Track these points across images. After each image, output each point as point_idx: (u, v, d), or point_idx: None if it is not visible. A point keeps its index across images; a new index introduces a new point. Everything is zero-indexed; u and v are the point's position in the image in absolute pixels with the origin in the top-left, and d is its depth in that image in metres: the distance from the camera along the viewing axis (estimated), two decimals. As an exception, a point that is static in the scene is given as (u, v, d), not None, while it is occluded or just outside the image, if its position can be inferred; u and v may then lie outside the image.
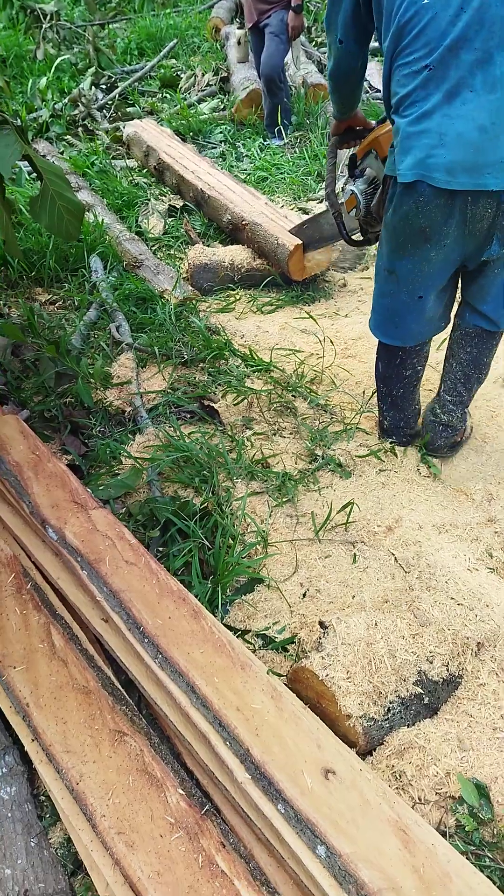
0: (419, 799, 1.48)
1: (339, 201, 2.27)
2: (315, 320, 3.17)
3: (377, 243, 2.09)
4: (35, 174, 4.30)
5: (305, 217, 3.50)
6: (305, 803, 1.28)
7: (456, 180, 1.69)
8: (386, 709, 1.55)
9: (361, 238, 2.35)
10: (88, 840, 1.33)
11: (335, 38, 1.96)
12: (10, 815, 1.46)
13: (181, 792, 1.39)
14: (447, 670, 1.65)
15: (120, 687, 1.60)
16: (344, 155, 2.32)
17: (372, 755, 1.56)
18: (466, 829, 1.45)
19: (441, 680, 1.64)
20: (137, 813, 1.36)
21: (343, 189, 2.30)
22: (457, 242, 1.85)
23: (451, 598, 1.77)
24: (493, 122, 1.63)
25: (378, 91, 5.94)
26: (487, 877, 1.24)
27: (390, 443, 2.48)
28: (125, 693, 1.60)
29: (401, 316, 2.10)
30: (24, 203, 3.80)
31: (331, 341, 3.04)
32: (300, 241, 3.29)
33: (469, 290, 2.08)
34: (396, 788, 1.50)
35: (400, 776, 1.51)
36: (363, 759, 1.53)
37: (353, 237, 2.34)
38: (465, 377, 2.26)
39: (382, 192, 1.96)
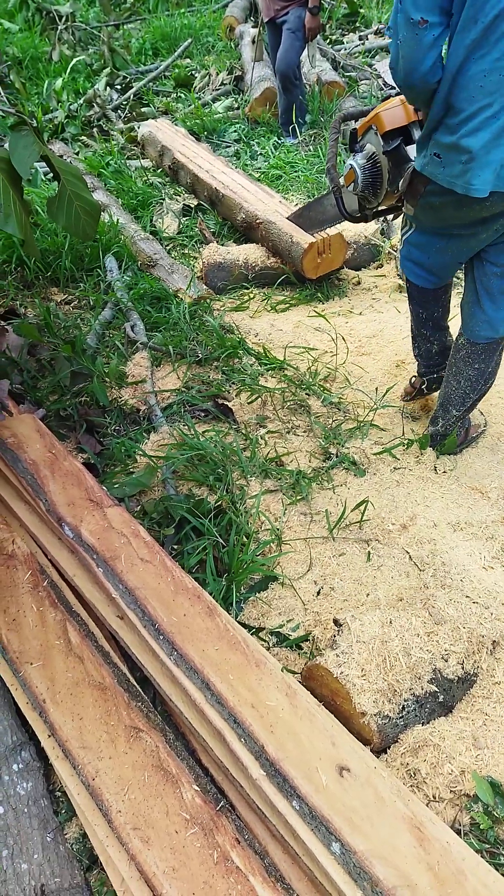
0: (434, 797, 1.48)
1: (338, 176, 2.28)
2: (327, 320, 3.17)
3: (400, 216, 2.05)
4: (52, 175, 4.34)
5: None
6: (320, 800, 1.28)
7: None
8: (401, 706, 1.55)
9: (359, 214, 2.37)
10: (104, 835, 1.35)
11: (413, 19, 1.55)
12: (26, 810, 1.47)
13: (196, 788, 1.40)
14: (462, 668, 1.64)
15: (135, 683, 1.62)
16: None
17: (386, 753, 1.56)
18: (481, 827, 1.44)
19: (456, 678, 1.64)
20: (153, 809, 1.37)
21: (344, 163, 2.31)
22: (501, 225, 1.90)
23: (467, 597, 1.77)
24: None
25: (393, 88, 5.92)
26: (502, 875, 1.24)
27: (432, 390, 2.54)
28: (140, 690, 1.61)
29: (439, 267, 2.16)
30: (41, 203, 3.82)
31: (343, 339, 3.03)
32: (314, 240, 3.28)
33: (492, 265, 2.05)
34: (411, 786, 1.50)
35: (414, 774, 1.51)
36: (378, 757, 1.53)
37: (350, 212, 2.36)
38: (473, 391, 2.29)
39: (416, 182, 1.90)
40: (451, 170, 1.72)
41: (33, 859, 1.40)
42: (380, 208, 2.29)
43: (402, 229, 2.26)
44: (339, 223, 3.06)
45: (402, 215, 2.26)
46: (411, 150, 2.09)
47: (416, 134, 2.06)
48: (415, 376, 2.61)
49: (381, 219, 3.86)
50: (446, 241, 2.03)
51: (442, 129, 1.72)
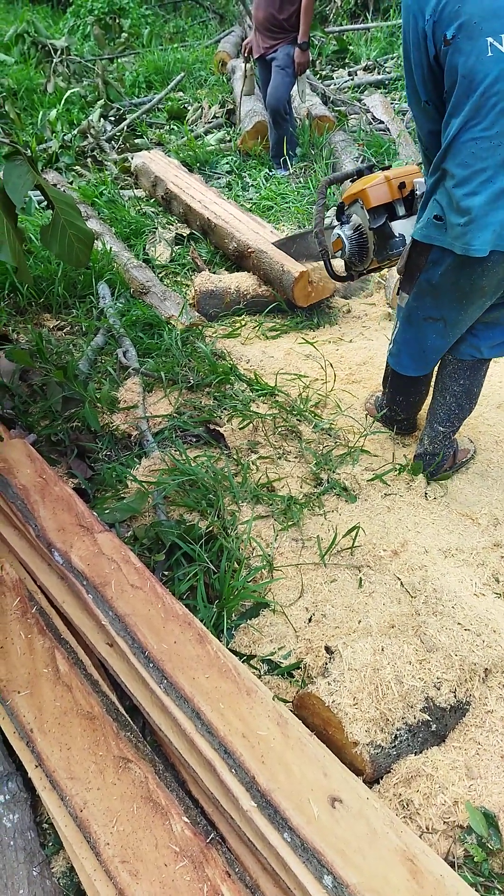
0: (427, 828, 1.46)
1: (327, 242, 2.42)
2: (316, 348, 3.20)
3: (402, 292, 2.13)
4: (45, 203, 4.38)
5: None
6: (312, 832, 1.26)
7: None
8: (393, 736, 1.53)
9: (345, 274, 2.51)
10: (92, 869, 1.32)
11: (420, 101, 1.79)
12: (12, 843, 1.44)
13: (186, 820, 1.38)
14: (455, 697, 1.63)
15: (124, 713, 1.59)
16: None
17: (379, 783, 1.54)
18: (475, 859, 1.42)
19: (449, 706, 1.63)
20: (142, 841, 1.34)
21: (332, 230, 2.46)
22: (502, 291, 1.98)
23: (458, 624, 1.76)
24: None
25: (382, 123, 6.05)
26: (497, 909, 1.22)
27: (397, 433, 2.65)
28: (130, 719, 1.58)
29: (435, 352, 2.23)
30: (34, 231, 3.86)
31: (331, 365, 3.06)
32: (305, 269, 3.33)
33: (480, 321, 2.14)
34: (404, 817, 1.48)
35: (407, 805, 1.49)
36: (370, 788, 1.51)
37: (336, 273, 2.51)
38: (458, 408, 2.35)
39: (415, 256, 1.98)
40: (452, 231, 1.79)
41: (19, 894, 1.36)
42: (366, 270, 2.44)
43: (392, 332, 2.35)
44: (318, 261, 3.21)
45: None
46: (396, 226, 2.24)
47: (401, 210, 2.23)
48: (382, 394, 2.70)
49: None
50: (444, 324, 2.08)
51: (441, 191, 1.81)
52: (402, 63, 1.84)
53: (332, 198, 4.65)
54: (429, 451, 2.45)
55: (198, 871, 1.30)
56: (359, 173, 2.36)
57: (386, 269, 2.30)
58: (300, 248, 3.51)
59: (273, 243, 3.65)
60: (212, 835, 1.37)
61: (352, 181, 2.38)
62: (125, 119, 6.59)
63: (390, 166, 2.38)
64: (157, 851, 1.32)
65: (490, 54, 1.58)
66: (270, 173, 5.34)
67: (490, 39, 1.57)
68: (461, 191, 1.73)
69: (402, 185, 2.21)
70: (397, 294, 2.15)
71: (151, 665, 1.56)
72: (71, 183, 5.11)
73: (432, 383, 2.45)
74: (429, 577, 2.01)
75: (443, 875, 1.23)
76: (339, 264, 2.54)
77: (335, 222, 2.43)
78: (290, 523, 2.27)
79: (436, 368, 2.40)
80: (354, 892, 1.18)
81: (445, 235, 1.82)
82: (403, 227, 2.25)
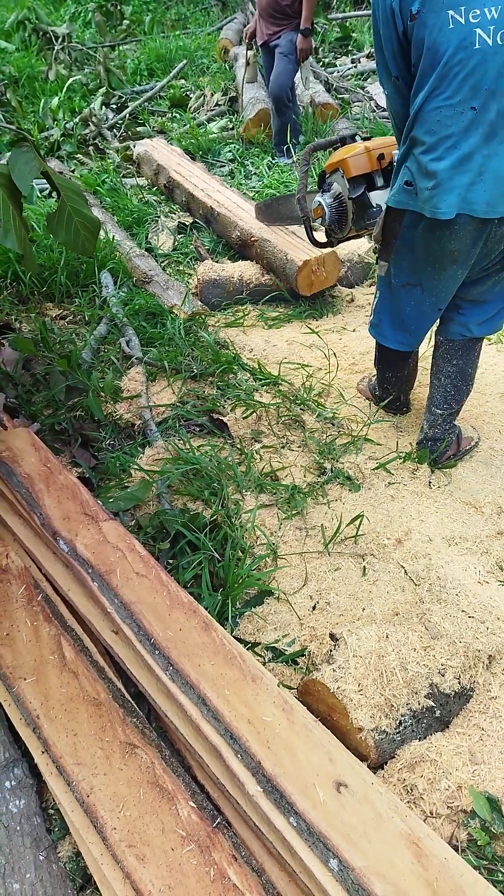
0: (431, 813, 1.47)
1: (308, 208, 2.49)
2: (320, 336, 3.19)
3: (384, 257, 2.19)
4: (49, 191, 4.36)
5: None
6: (317, 816, 1.27)
7: (495, 210, 1.84)
8: (398, 722, 1.54)
9: (325, 240, 2.58)
10: (98, 853, 1.33)
11: (391, 76, 1.87)
12: (18, 828, 1.45)
13: (192, 805, 1.39)
14: (459, 683, 1.64)
15: (130, 699, 1.60)
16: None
17: (383, 768, 1.55)
18: (479, 843, 1.43)
19: (453, 693, 1.64)
20: (148, 826, 1.35)
21: (314, 196, 2.52)
22: (476, 261, 2.03)
23: (462, 611, 1.77)
24: None
25: (385, 110, 6.01)
26: (501, 892, 1.23)
27: (390, 408, 2.71)
28: (135, 705, 1.59)
29: (416, 323, 2.27)
30: (37, 220, 3.84)
31: (335, 354, 3.05)
32: (309, 258, 3.32)
33: (467, 297, 2.20)
34: (408, 802, 1.49)
35: (411, 790, 1.50)
36: (375, 773, 1.52)
37: (317, 240, 2.58)
38: (455, 389, 2.39)
39: (389, 223, 2.05)
40: (422, 196, 1.88)
41: (25, 879, 1.38)
42: (345, 237, 2.50)
43: (373, 302, 2.41)
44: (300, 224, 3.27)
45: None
46: (374, 196, 2.30)
47: (379, 181, 2.30)
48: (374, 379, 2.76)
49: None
50: (421, 290, 2.15)
51: (410, 158, 1.90)
52: (373, 42, 1.90)
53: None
54: (429, 436, 2.46)
55: (204, 855, 1.31)
56: (342, 141, 2.42)
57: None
58: (283, 211, 3.52)
59: (256, 205, 3.70)
60: (218, 819, 1.38)
61: (335, 149, 2.44)
62: (127, 107, 6.55)
63: (370, 137, 2.40)
64: (163, 836, 1.33)
65: (451, 26, 1.67)
66: (273, 161, 5.31)
67: (451, 12, 1.67)
68: (428, 157, 1.82)
69: (381, 157, 2.27)
70: (376, 263, 2.23)
71: (157, 652, 1.57)
72: (73, 171, 5.08)
73: (430, 366, 2.47)
74: (433, 565, 2.02)
75: (447, 858, 1.24)
76: (320, 232, 2.60)
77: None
78: (293, 512, 2.28)
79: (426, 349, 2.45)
80: (360, 875, 1.19)
81: (416, 200, 1.91)
82: (380, 198, 2.31)
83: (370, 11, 8.64)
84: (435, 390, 2.41)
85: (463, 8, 1.66)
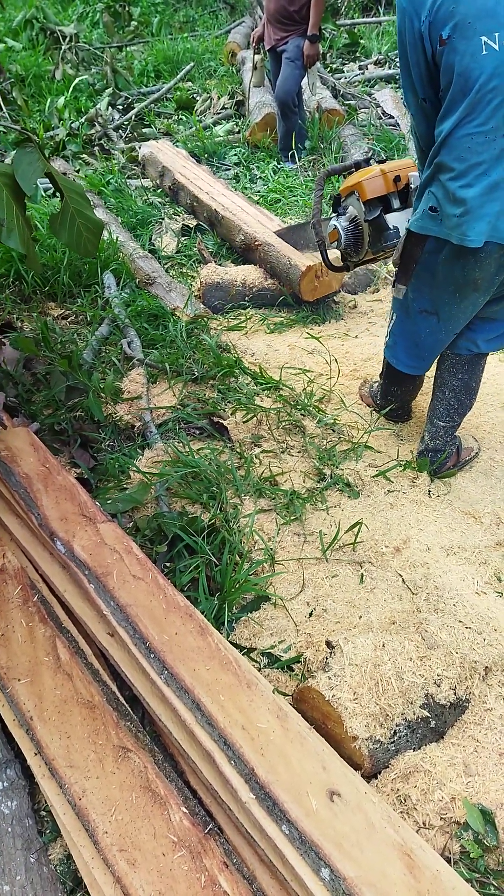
0: (424, 824, 1.47)
1: (323, 232, 2.48)
2: (322, 342, 3.19)
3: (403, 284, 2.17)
4: (52, 191, 4.36)
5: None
6: (310, 825, 1.26)
7: None
8: (392, 731, 1.54)
9: (341, 265, 2.56)
10: (90, 857, 1.32)
11: (418, 99, 1.86)
12: (10, 830, 1.44)
13: (184, 810, 1.38)
14: (454, 694, 1.64)
15: (124, 702, 1.60)
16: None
17: (377, 778, 1.55)
18: (471, 855, 1.43)
19: (448, 703, 1.63)
20: (140, 830, 1.34)
21: (328, 221, 2.51)
22: (497, 288, 2.02)
23: (459, 622, 1.76)
24: None
25: (391, 118, 6.02)
26: (493, 905, 1.22)
27: (391, 416, 2.72)
28: (129, 709, 1.59)
29: (430, 350, 2.29)
30: (40, 219, 3.84)
31: (336, 360, 3.05)
32: (312, 263, 3.32)
33: (477, 316, 2.18)
34: (401, 812, 1.48)
35: (405, 800, 1.49)
36: (368, 782, 1.52)
37: (333, 264, 2.56)
38: (458, 403, 2.39)
39: (410, 247, 2.03)
40: (448, 223, 1.85)
41: (16, 881, 1.37)
42: (361, 261, 2.47)
43: (388, 324, 2.41)
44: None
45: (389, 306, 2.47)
46: (391, 219, 2.28)
47: (395, 203, 2.28)
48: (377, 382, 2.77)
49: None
50: (437, 318, 2.14)
51: (436, 184, 1.86)
52: (399, 63, 1.87)
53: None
54: (430, 447, 2.46)
55: (195, 861, 1.30)
56: (356, 165, 2.41)
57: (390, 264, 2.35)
58: (303, 237, 3.54)
59: (275, 232, 3.68)
60: (210, 825, 1.37)
61: (349, 173, 2.43)
62: (133, 108, 6.56)
63: (387, 159, 2.40)
64: (155, 841, 1.33)
65: (485, 52, 1.63)
66: (279, 166, 5.31)
67: (484, 38, 1.62)
68: (457, 183, 1.78)
69: (397, 179, 2.26)
70: (393, 287, 2.21)
71: (152, 655, 1.56)
72: (78, 171, 5.09)
73: (434, 377, 2.46)
74: (430, 574, 2.01)
75: (439, 870, 1.23)
76: (335, 255, 2.57)
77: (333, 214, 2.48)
78: (292, 518, 2.27)
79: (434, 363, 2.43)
80: (352, 885, 1.18)
81: (441, 226, 1.87)
82: (397, 220, 2.30)
83: (380, 19, 8.69)
84: (438, 402, 2.41)
85: (497, 34, 1.62)
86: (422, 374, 2.44)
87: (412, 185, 2.26)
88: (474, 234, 1.80)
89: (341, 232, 2.38)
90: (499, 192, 1.76)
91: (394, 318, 2.34)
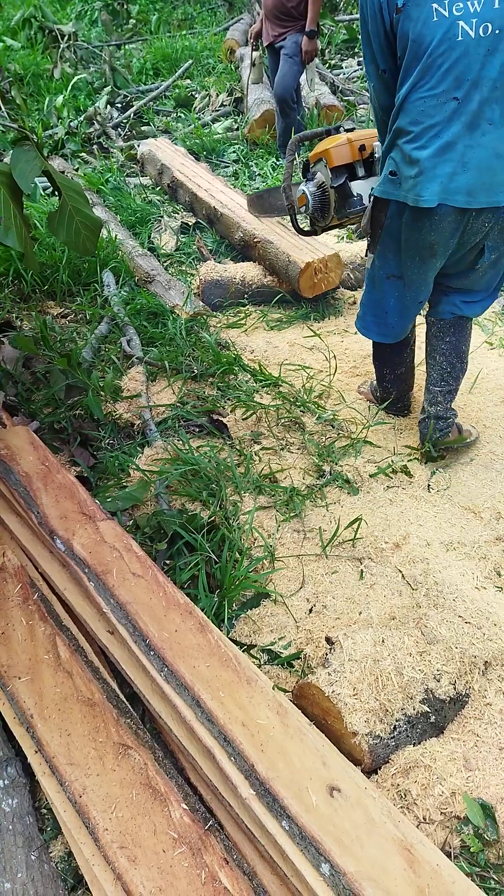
0: (424, 818, 1.47)
1: (293, 197, 2.58)
2: (321, 339, 3.19)
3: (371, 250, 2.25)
4: (51, 190, 4.36)
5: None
6: (310, 820, 1.26)
7: (476, 200, 1.89)
8: (392, 727, 1.54)
9: (309, 229, 2.65)
10: (90, 854, 1.32)
11: (378, 70, 1.94)
12: (10, 827, 1.45)
13: (185, 807, 1.38)
14: (454, 689, 1.64)
15: (125, 700, 1.60)
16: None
17: (377, 773, 1.55)
18: (472, 849, 1.43)
19: (448, 698, 1.63)
20: (140, 827, 1.35)
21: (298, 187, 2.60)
22: (453, 253, 2.09)
23: (459, 617, 1.76)
24: None
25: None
26: (493, 900, 1.22)
27: (392, 410, 2.73)
28: (130, 706, 1.59)
29: (397, 315, 2.34)
30: (39, 218, 3.84)
31: (335, 357, 3.05)
32: (311, 260, 3.31)
33: (453, 286, 2.28)
34: (401, 807, 1.49)
35: (405, 795, 1.49)
36: (368, 778, 1.51)
37: (301, 228, 2.66)
38: (450, 366, 2.43)
39: (376, 213, 2.11)
40: (405, 185, 1.94)
41: (17, 878, 1.37)
42: (327, 226, 2.56)
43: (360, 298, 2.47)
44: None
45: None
46: (355, 186, 2.38)
47: (360, 171, 2.37)
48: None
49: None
50: (403, 283, 2.20)
51: (395, 149, 1.96)
52: (360, 37, 1.97)
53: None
54: (431, 413, 2.49)
55: (196, 857, 1.30)
56: (327, 132, 2.49)
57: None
58: (273, 202, 3.59)
59: (248, 197, 3.76)
60: (210, 822, 1.38)
61: (320, 140, 2.52)
62: (132, 106, 6.56)
63: (353, 129, 2.45)
64: (155, 837, 1.33)
65: (435, 19, 1.74)
66: (277, 163, 5.31)
67: (435, 5, 1.74)
68: (412, 145, 1.88)
69: (362, 148, 2.34)
70: (365, 255, 2.30)
71: (152, 653, 1.57)
72: (77, 169, 5.08)
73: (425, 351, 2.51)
74: (430, 569, 2.01)
75: (439, 865, 1.23)
76: (304, 221, 2.76)
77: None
78: (291, 514, 2.28)
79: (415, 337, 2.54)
80: (352, 880, 1.18)
81: (399, 189, 1.96)
82: (361, 188, 2.38)
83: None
84: (431, 369, 2.46)
85: (447, 2, 1.72)
86: (393, 341, 2.45)
87: (376, 154, 2.33)
88: (428, 195, 1.88)
89: (309, 197, 2.47)
90: (450, 154, 1.84)
91: (364, 289, 2.41)
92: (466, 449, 2.59)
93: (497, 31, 1.72)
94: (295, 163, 2.72)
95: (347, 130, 2.44)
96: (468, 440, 2.57)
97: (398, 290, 2.24)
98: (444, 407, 2.47)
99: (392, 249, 2.14)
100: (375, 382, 2.74)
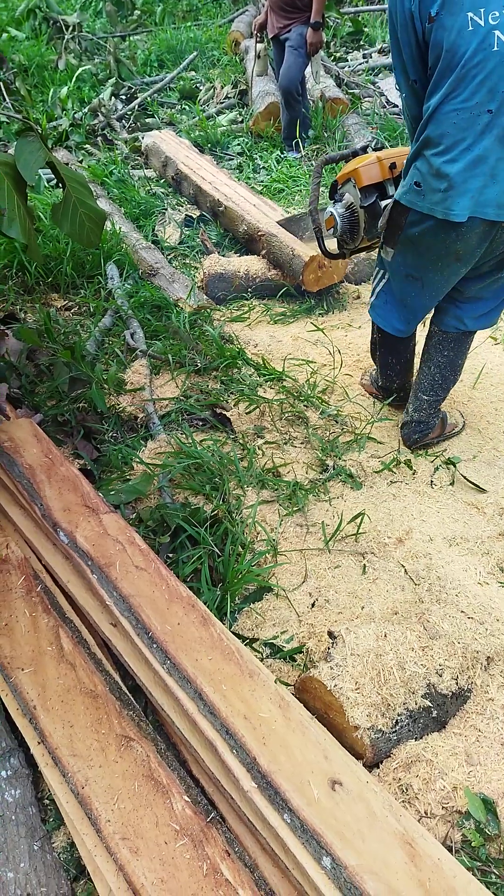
0: (425, 813, 1.47)
1: (320, 219, 2.51)
2: (325, 333, 3.18)
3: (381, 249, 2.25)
4: (55, 181, 4.35)
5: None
6: (312, 814, 1.27)
7: None
8: (394, 721, 1.54)
9: (337, 252, 2.58)
10: (92, 845, 1.33)
11: (409, 80, 1.88)
12: (14, 818, 1.46)
13: (187, 799, 1.39)
14: (456, 684, 1.64)
15: (127, 692, 1.60)
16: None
17: (379, 767, 1.55)
18: (473, 844, 1.43)
19: (450, 693, 1.63)
20: (142, 819, 1.35)
21: (325, 208, 2.53)
22: (478, 261, 2.05)
23: (462, 612, 1.76)
24: None
25: (395, 106, 5.98)
26: (494, 893, 1.23)
27: (394, 402, 2.71)
28: (132, 698, 1.59)
29: (414, 313, 2.32)
30: (43, 210, 3.84)
31: (339, 351, 3.04)
32: (315, 254, 3.30)
33: (466, 294, 2.25)
34: (403, 801, 1.49)
35: (406, 789, 1.50)
36: (370, 772, 1.52)
37: (329, 251, 2.59)
38: (442, 378, 2.44)
39: (396, 216, 2.07)
40: (432, 197, 1.89)
41: (20, 868, 1.38)
42: (357, 248, 2.49)
43: (373, 282, 2.44)
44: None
45: (375, 266, 2.46)
46: (385, 206, 2.29)
47: (391, 190, 2.31)
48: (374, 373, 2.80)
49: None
50: (421, 284, 2.18)
51: (421, 159, 1.90)
52: (390, 46, 1.91)
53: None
54: (414, 419, 2.51)
55: (197, 849, 1.31)
56: (354, 154, 2.44)
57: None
58: (303, 228, 3.57)
59: (278, 222, 3.69)
60: (212, 814, 1.38)
61: (346, 162, 2.46)
62: (136, 98, 6.53)
63: (383, 147, 2.41)
64: (157, 829, 1.34)
65: (470, 28, 1.67)
66: (282, 155, 5.28)
67: (470, 14, 1.66)
68: (441, 158, 1.82)
69: (392, 166, 2.29)
70: (381, 249, 2.26)
71: (155, 646, 1.57)
72: (81, 161, 5.07)
73: (421, 353, 2.53)
74: (433, 564, 2.01)
75: (440, 859, 1.24)
76: (332, 243, 2.61)
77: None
78: (294, 509, 2.27)
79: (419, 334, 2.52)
80: (353, 873, 1.19)
81: (425, 201, 1.91)
82: None
83: (384, 7, 8.60)
84: (423, 377, 2.47)
85: (482, 10, 1.65)
86: (407, 335, 2.44)
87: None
88: (459, 209, 1.84)
89: (337, 218, 2.40)
90: (482, 167, 1.79)
91: (379, 277, 2.37)
92: (469, 445, 2.59)
93: None
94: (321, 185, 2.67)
95: (375, 149, 2.38)
96: (452, 433, 2.60)
97: (416, 290, 2.22)
98: (428, 413, 2.49)
99: (412, 252, 2.11)
100: (377, 372, 2.73)
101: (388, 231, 2.13)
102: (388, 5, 1.82)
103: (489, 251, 2.01)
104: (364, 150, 2.41)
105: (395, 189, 2.32)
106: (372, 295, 2.44)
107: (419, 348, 2.63)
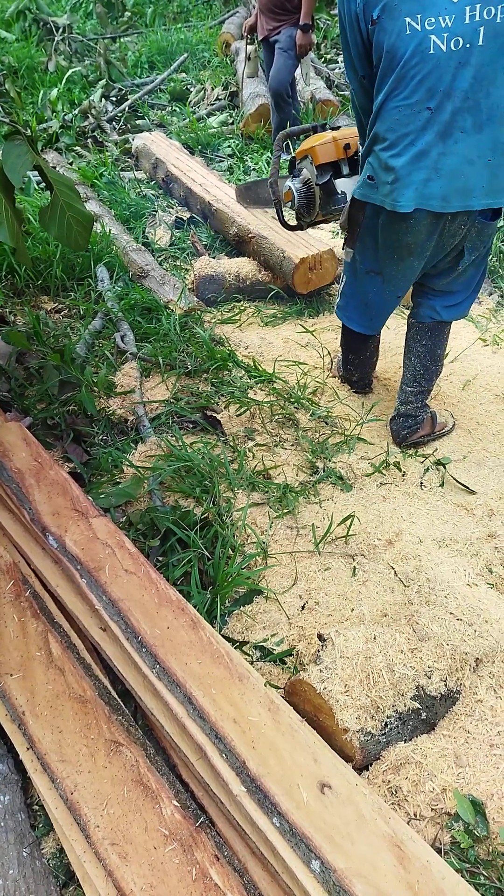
0: (415, 815, 1.47)
1: (280, 192, 2.64)
2: (315, 335, 3.19)
3: (350, 245, 2.33)
4: (44, 184, 4.33)
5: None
6: (301, 817, 1.27)
7: (449, 205, 1.96)
8: (383, 723, 1.54)
9: (295, 224, 2.71)
10: (82, 851, 1.32)
11: (357, 75, 2.00)
12: (2, 824, 1.45)
13: (176, 804, 1.39)
14: (445, 686, 1.64)
15: (116, 697, 1.60)
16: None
17: (368, 770, 1.56)
18: (462, 846, 1.44)
19: (439, 695, 1.64)
20: (132, 824, 1.35)
21: (285, 181, 2.66)
22: (432, 254, 2.16)
23: (451, 614, 1.77)
24: (478, 156, 1.90)
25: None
26: (482, 895, 1.23)
27: (355, 392, 2.87)
28: (122, 703, 1.59)
29: (377, 310, 2.45)
30: (32, 212, 3.82)
31: (329, 353, 3.05)
32: (306, 255, 3.31)
33: (435, 287, 2.35)
34: (392, 804, 1.49)
35: (396, 791, 1.50)
36: (359, 774, 1.52)
37: (287, 223, 2.71)
38: (423, 369, 2.51)
39: (354, 212, 2.19)
40: (382, 189, 2.01)
41: (8, 874, 1.37)
42: (313, 221, 2.60)
43: (340, 284, 2.55)
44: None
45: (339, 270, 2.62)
46: (339, 184, 2.44)
47: (345, 169, 2.44)
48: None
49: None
50: (382, 279, 2.29)
51: (372, 154, 2.02)
52: (340, 43, 2.03)
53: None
54: (401, 412, 2.56)
55: (187, 854, 1.31)
56: (314, 129, 2.54)
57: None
58: (261, 194, 3.66)
59: (236, 187, 3.80)
60: (201, 819, 1.38)
61: (306, 137, 2.56)
62: (127, 100, 6.52)
63: (339, 127, 2.48)
64: (146, 834, 1.33)
65: (408, 32, 1.80)
66: (273, 157, 5.29)
67: (408, 20, 1.79)
68: (388, 153, 1.95)
69: (346, 146, 2.39)
70: (343, 249, 2.36)
71: (144, 650, 1.57)
72: (71, 163, 5.06)
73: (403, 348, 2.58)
74: (422, 566, 2.02)
75: (429, 861, 1.24)
76: (291, 216, 2.81)
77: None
78: (285, 511, 2.28)
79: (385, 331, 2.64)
80: (342, 876, 1.19)
81: (377, 193, 2.04)
82: (345, 186, 2.44)
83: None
84: (406, 370, 2.55)
85: (419, 16, 1.77)
86: (371, 334, 2.57)
87: (361, 153, 2.35)
88: (404, 200, 1.96)
89: (295, 193, 2.52)
90: (424, 161, 1.90)
91: (344, 279, 2.48)
92: (459, 446, 2.60)
93: (468, 45, 1.77)
94: (282, 158, 2.77)
95: (333, 129, 2.49)
96: (441, 433, 2.63)
97: (377, 285, 2.32)
98: (415, 406, 2.54)
99: (370, 247, 2.22)
100: (340, 363, 2.86)
101: (349, 230, 2.24)
102: (338, 5, 1.95)
103: (440, 245, 2.11)
104: (322, 127, 2.52)
105: (349, 168, 2.45)
106: (338, 297, 2.56)
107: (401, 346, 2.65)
